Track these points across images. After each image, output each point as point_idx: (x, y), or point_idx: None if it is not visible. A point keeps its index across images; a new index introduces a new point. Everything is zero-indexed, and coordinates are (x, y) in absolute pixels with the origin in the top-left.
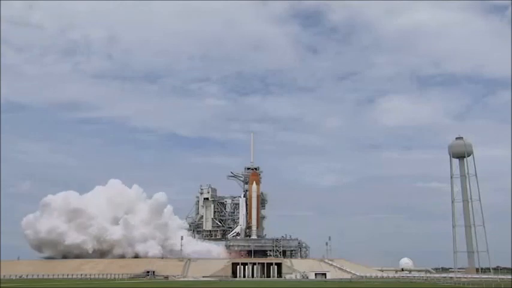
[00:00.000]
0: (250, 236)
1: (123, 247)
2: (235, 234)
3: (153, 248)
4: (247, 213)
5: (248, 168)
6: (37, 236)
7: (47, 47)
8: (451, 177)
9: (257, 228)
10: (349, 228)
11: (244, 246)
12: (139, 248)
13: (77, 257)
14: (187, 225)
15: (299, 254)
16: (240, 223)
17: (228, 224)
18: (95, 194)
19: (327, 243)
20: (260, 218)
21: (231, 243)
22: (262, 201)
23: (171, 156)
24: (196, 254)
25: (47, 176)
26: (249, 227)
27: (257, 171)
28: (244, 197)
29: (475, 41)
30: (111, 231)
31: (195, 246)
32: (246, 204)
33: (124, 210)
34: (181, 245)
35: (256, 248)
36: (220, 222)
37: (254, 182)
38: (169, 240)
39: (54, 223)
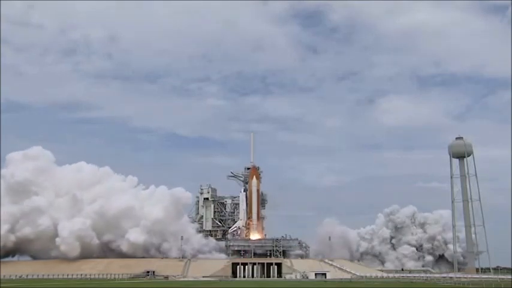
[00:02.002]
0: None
1: (143, 251)
2: (235, 228)
3: (172, 250)
4: (247, 207)
5: (248, 168)
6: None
7: (47, 47)
8: (451, 177)
9: (257, 221)
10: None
11: (244, 246)
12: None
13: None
14: (197, 225)
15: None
16: (240, 217)
17: (228, 224)
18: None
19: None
20: (260, 215)
21: (231, 243)
22: (262, 202)
23: (171, 156)
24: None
25: None
26: (248, 227)
27: (257, 167)
28: (244, 191)
29: (475, 41)
30: (132, 235)
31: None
32: (246, 200)
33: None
34: (181, 245)
35: (257, 249)
36: (220, 222)
37: (254, 177)
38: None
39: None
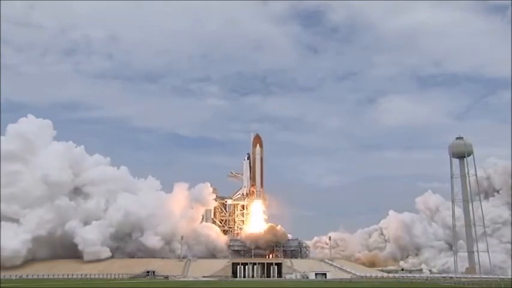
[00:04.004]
0: None
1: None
2: (240, 195)
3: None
4: (251, 174)
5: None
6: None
7: (47, 46)
8: (451, 177)
9: (261, 187)
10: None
11: (244, 246)
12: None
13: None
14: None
15: (299, 254)
16: (244, 185)
17: (229, 224)
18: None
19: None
20: (263, 182)
21: (231, 243)
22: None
23: (171, 156)
24: None
25: None
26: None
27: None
28: (247, 159)
29: (476, 41)
30: (149, 241)
31: None
32: (250, 168)
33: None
34: (181, 245)
35: (256, 251)
36: (220, 222)
37: (258, 145)
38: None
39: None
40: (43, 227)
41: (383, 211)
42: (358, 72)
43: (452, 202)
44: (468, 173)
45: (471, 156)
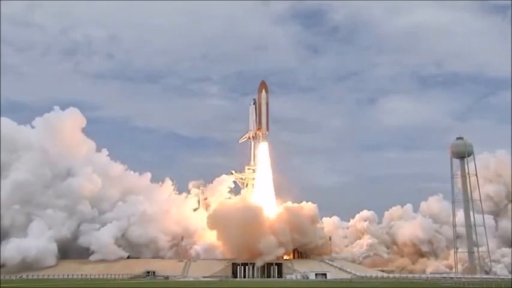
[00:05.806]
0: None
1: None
2: (245, 139)
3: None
4: (257, 117)
5: (248, 169)
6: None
7: (47, 46)
8: (452, 177)
9: (267, 131)
10: None
11: None
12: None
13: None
14: None
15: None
16: (250, 128)
17: None
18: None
19: None
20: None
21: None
22: None
23: (172, 156)
24: None
25: None
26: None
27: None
28: (253, 104)
29: (477, 41)
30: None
31: None
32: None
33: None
34: (181, 245)
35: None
36: None
37: (263, 90)
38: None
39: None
40: (62, 231)
41: (383, 211)
42: (359, 72)
43: (453, 202)
44: (468, 173)
45: (471, 156)
